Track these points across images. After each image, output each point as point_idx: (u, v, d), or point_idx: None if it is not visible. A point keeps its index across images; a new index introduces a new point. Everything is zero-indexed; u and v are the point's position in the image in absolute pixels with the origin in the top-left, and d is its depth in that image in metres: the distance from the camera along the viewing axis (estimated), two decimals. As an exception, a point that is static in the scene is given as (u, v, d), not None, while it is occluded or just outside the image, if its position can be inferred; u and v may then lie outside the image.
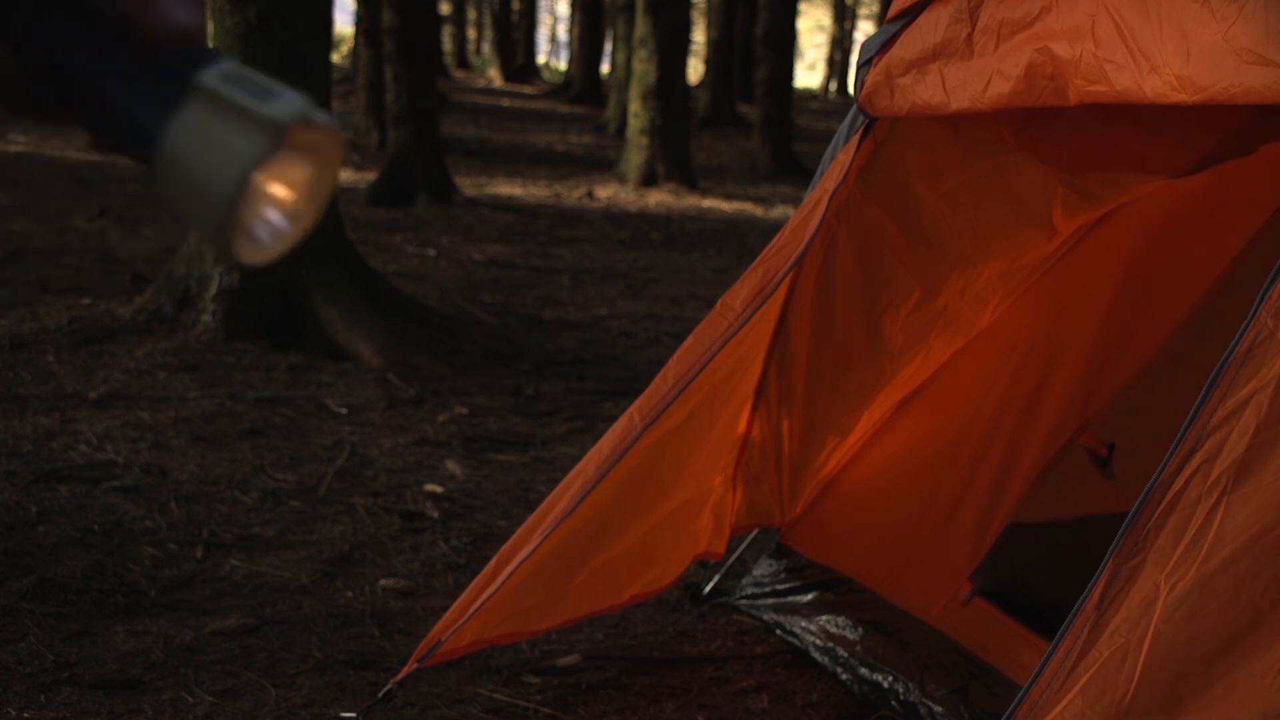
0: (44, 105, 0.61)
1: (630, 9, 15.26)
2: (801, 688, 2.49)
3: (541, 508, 2.21)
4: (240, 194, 0.53)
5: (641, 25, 11.41)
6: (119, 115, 0.57)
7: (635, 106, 11.57)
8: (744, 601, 2.77)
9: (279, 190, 0.57)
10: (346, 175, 9.98)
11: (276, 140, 0.54)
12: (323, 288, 4.78)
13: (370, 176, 9.74)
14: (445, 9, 27.87)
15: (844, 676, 2.49)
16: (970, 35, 1.82)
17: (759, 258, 2.17)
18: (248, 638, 2.48)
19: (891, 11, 2.02)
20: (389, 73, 9.43)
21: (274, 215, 0.58)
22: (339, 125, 0.59)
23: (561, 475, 2.30)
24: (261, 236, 0.58)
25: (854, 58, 2.18)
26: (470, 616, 2.14)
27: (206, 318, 4.65)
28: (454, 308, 5.77)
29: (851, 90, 2.18)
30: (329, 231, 4.98)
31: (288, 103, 0.55)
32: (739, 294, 2.17)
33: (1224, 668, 1.32)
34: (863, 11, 40.27)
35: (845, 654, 2.52)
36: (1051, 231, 2.32)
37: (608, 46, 23.18)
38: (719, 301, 2.18)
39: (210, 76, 0.56)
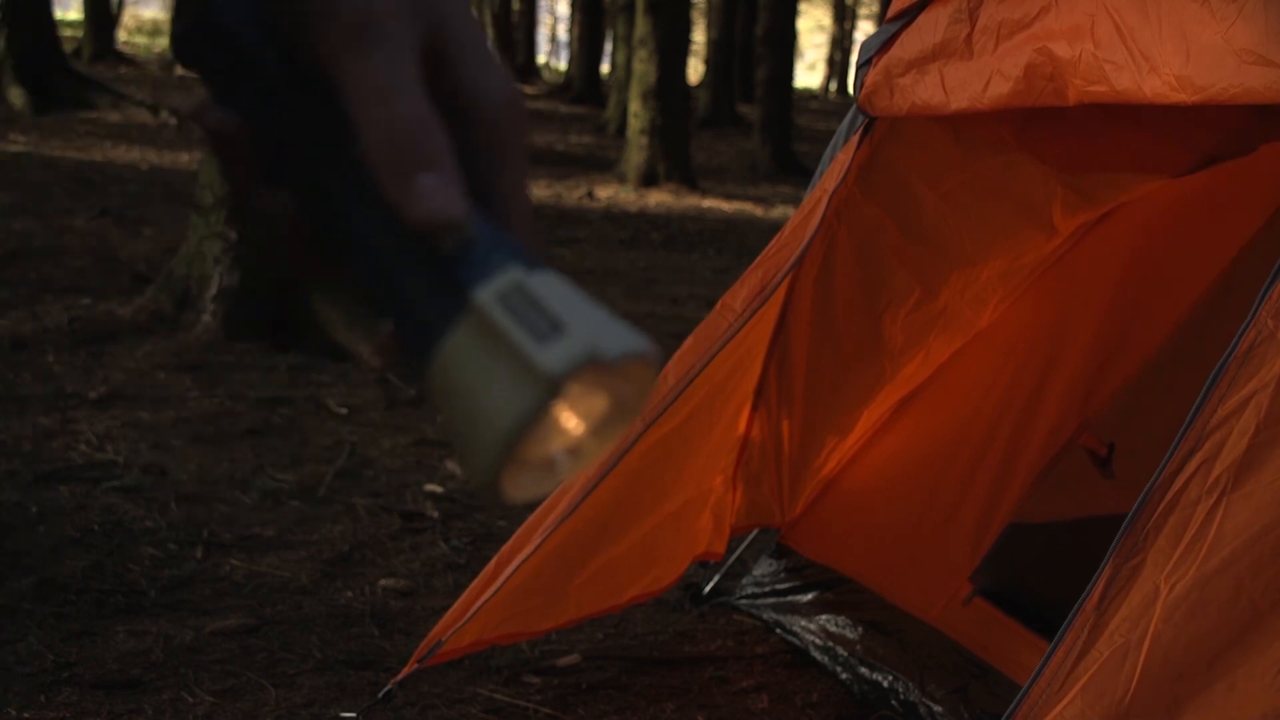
0: (330, 269, 0.53)
1: (630, 9, 15.26)
2: (801, 688, 2.49)
3: (541, 508, 2.22)
4: (506, 450, 0.44)
5: (641, 25, 11.41)
6: (400, 306, 0.48)
7: (635, 106, 11.57)
8: (744, 601, 2.77)
9: (566, 422, 0.47)
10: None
11: (550, 395, 0.43)
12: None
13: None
14: (445, 9, 27.79)
15: (844, 676, 2.49)
16: (970, 35, 1.82)
17: (759, 258, 2.17)
18: (248, 638, 2.48)
19: (891, 11, 2.02)
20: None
21: (555, 451, 0.48)
22: (654, 350, 0.46)
23: (561, 475, 2.29)
24: (533, 476, 0.48)
25: (854, 58, 2.18)
26: (471, 617, 2.14)
27: (206, 318, 4.65)
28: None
29: (851, 90, 2.18)
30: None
31: (573, 342, 0.43)
32: (739, 294, 2.17)
33: (1224, 667, 1.32)
34: (863, 11, 40.28)
35: (845, 654, 2.52)
36: (1051, 231, 2.32)
37: (608, 46, 23.18)
38: (719, 302, 2.19)
39: (487, 293, 0.45)
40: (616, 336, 0.44)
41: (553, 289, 0.45)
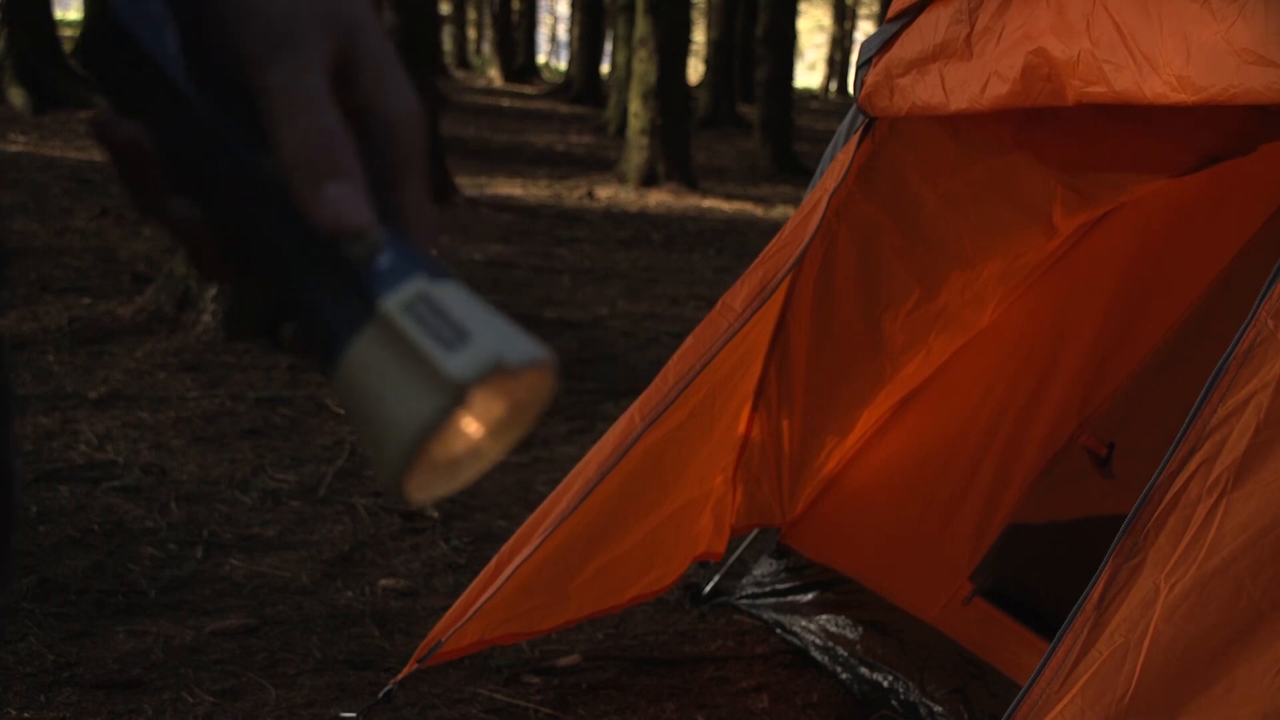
0: (239, 274, 0.54)
1: (630, 9, 15.25)
2: (801, 688, 2.49)
3: (542, 508, 2.22)
4: (413, 453, 0.45)
5: (641, 25, 11.40)
6: (307, 310, 0.49)
7: (635, 106, 11.57)
8: (744, 601, 2.77)
9: (467, 426, 0.49)
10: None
11: (457, 402, 0.44)
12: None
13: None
14: (445, 9, 27.86)
15: (844, 676, 2.49)
16: (969, 36, 1.82)
17: (759, 258, 2.17)
18: (248, 638, 2.48)
19: (891, 11, 2.02)
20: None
21: (457, 452, 0.50)
22: (552, 359, 0.48)
23: (561, 475, 2.30)
24: (437, 476, 0.49)
25: (854, 58, 2.18)
26: (471, 617, 2.14)
27: (206, 318, 4.65)
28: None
29: (851, 90, 2.18)
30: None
31: (479, 351, 0.45)
32: (739, 294, 2.17)
33: (1224, 667, 1.32)
34: (863, 11, 40.29)
35: (845, 653, 2.52)
36: (1051, 231, 2.32)
37: (608, 46, 23.17)
38: (719, 301, 2.18)
39: (394, 302, 0.46)
40: (520, 345, 0.46)
41: (457, 299, 0.47)
